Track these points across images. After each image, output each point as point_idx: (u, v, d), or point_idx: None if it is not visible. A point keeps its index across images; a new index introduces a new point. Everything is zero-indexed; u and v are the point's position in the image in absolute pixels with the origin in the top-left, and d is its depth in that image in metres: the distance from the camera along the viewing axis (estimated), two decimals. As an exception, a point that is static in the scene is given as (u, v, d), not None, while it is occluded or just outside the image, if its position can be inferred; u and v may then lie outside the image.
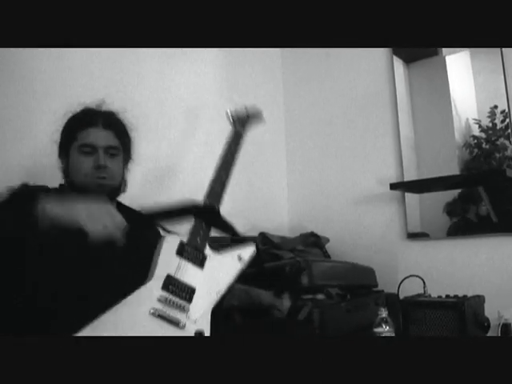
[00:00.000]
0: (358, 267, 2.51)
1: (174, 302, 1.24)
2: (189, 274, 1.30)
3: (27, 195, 1.29)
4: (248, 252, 1.46)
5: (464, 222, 2.61)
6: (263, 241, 2.57)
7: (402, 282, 2.01)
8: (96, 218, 1.14)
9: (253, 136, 2.98)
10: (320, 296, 2.19)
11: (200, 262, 1.34)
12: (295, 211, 3.18)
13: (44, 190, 1.45)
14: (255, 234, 2.62)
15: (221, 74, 2.85)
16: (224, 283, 1.37)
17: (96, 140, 1.47)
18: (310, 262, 2.18)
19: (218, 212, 1.52)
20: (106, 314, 1.14)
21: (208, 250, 1.39)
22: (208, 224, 1.45)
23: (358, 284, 2.47)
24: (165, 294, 1.24)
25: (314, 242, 2.74)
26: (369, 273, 2.56)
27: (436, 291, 1.99)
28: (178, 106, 2.52)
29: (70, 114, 1.54)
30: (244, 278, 2.20)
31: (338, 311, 2.13)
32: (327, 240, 2.82)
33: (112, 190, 1.50)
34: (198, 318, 1.27)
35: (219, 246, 1.44)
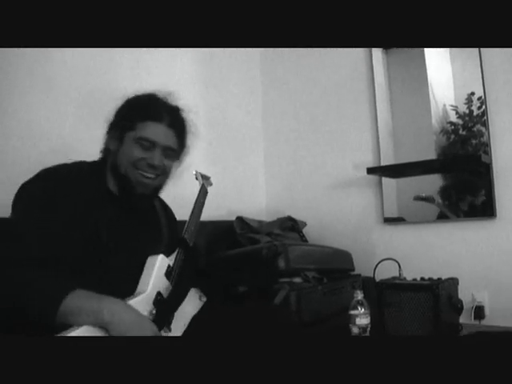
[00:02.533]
0: (334, 251, 2.52)
1: None
2: None
3: None
4: (204, 298, 1.50)
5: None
6: (240, 225, 2.57)
7: (377, 265, 2.02)
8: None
9: (231, 121, 2.99)
10: (297, 279, 2.20)
11: None
12: (272, 195, 3.19)
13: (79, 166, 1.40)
14: (232, 218, 2.62)
15: (197, 56, 2.82)
16: (190, 315, 1.42)
17: (157, 137, 1.38)
18: (286, 246, 2.18)
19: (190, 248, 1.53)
20: None
21: None
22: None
23: (335, 268, 2.48)
24: (155, 309, 1.29)
25: (291, 226, 2.75)
26: (345, 257, 2.57)
27: (411, 274, 2.01)
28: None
29: (133, 96, 1.44)
30: (223, 260, 2.24)
31: (314, 294, 2.14)
32: (304, 224, 2.83)
33: (155, 189, 1.45)
34: None
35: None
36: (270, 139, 3.24)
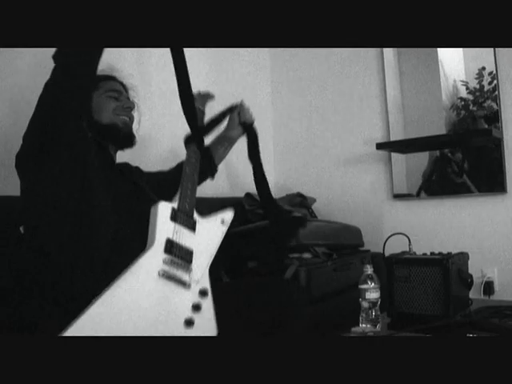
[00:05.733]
0: (344, 227, 2.52)
1: (177, 263, 1.29)
2: (184, 237, 1.34)
3: None
4: (229, 215, 1.51)
5: (446, 184, 2.65)
6: (249, 201, 2.57)
7: (387, 239, 2.02)
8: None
9: (239, 96, 2.97)
10: (306, 255, 2.20)
11: (192, 225, 1.38)
12: (281, 172, 3.18)
13: None
14: (241, 194, 2.62)
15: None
16: (214, 245, 1.43)
17: (119, 88, 1.63)
18: (296, 222, 2.19)
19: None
20: (118, 280, 1.16)
21: (195, 215, 1.42)
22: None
23: (345, 243, 2.49)
24: (168, 256, 1.27)
25: (300, 202, 2.74)
26: (355, 232, 2.57)
27: (421, 249, 2.01)
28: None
29: None
30: (232, 236, 2.24)
31: (324, 270, 2.15)
32: (314, 200, 2.83)
33: (132, 133, 1.63)
34: (199, 278, 1.32)
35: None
36: (279, 115, 3.23)
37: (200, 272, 1.33)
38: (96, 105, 1.55)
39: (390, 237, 2.02)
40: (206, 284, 1.34)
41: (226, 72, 2.90)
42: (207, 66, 2.78)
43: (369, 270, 1.77)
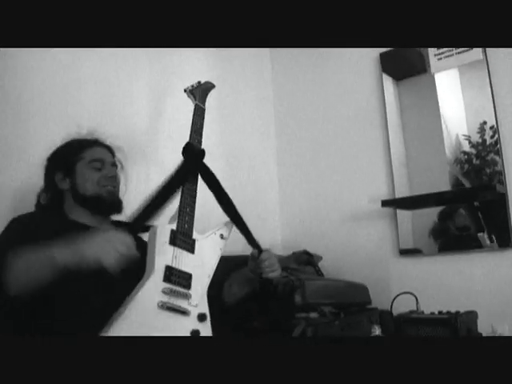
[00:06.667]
0: (351, 285, 2.50)
1: (177, 292, 1.29)
2: (183, 260, 1.35)
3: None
4: (228, 229, 1.55)
5: (453, 239, 2.63)
6: (256, 260, 2.56)
7: (394, 298, 2.01)
8: (109, 250, 1.17)
9: (244, 153, 3.00)
10: (313, 314, 2.18)
11: (191, 247, 1.39)
12: (288, 229, 3.18)
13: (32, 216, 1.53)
14: (247, 252, 2.61)
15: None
16: (213, 264, 1.45)
17: (104, 156, 1.63)
18: (303, 281, 2.18)
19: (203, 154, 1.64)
20: (119, 314, 1.18)
21: (195, 234, 1.43)
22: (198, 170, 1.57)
23: (352, 302, 2.46)
24: (167, 285, 1.28)
25: (306, 260, 2.73)
26: (362, 290, 2.55)
27: (429, 307, 1.99)
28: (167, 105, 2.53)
29: (66, 141, 1.66)
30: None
31: (331, 329, 2.12)
32: (320, 258, 2.82)
33: (118, 200, 1.63)
34: (198, 302, 1.33)
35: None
36: (285, 175, 3.25)
37: (199, 296, 1.33)
38: (80, 177, 1.58)
39: (397, 296, 2.01)
40: (205, 308, 1.34)
41: (230, 126, 2.94)
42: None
43: (377, 330, 1.76)
